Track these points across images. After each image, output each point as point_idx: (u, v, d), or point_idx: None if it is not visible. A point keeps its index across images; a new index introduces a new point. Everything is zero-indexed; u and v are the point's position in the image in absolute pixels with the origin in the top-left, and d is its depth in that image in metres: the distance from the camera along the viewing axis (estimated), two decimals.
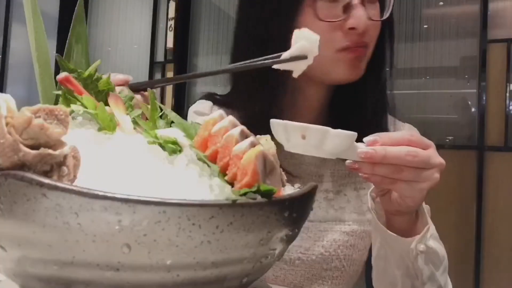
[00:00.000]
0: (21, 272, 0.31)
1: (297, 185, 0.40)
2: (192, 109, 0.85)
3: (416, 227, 0.59)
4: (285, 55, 0.51)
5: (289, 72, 0.64)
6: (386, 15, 0.70)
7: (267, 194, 0.32)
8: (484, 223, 2.51)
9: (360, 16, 0.65)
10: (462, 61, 2.76)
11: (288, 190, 0.38)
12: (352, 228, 0.73)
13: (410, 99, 2.86)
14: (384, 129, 0.78)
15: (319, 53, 0.61)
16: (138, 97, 0.55)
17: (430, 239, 0.58)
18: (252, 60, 0.54)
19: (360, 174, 0.51)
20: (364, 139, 0.49)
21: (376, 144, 0.48)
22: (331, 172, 0.77)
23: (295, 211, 0.34)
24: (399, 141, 0.49)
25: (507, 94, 2.54)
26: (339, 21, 0.66)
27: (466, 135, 2.71)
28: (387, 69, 0.78)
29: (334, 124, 0.51)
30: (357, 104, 0.75)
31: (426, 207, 0.74)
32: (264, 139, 0.38)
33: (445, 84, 2.83)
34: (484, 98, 2.58)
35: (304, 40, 0.52)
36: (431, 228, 0.59)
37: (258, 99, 0.71)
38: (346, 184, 0.76)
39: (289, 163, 0.75)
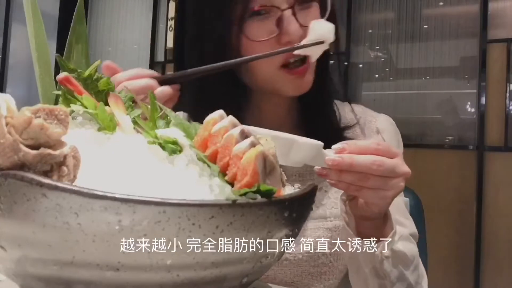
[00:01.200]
0: (21, 272, 0.31)
1: (297, 185, 0.40)
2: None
3: (383, 231, 0.60)
4: (304, 41, 0.62)
5: (249, 87, 0.68)
6: (325, 16, 0.69)
7: (267, 194, 0.32)
8: (484, 223, 2.51)
9: (293, 30, 0.65)
10: (462, 61, 2.76)
11: (288, 190, 0.38)
12: (334, 224, 0.74)
13: (410, 99, 2.87)
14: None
15: (263, 70, 0.69)
16: (166, 88, 0.60)
17: (398, 242, 0.60)
18: (270, 52, 0.62)
19: (327, 180, 0.52)
20: (333, 147, 0.51)
21: (343, 152, 0.50)
22: (310, 169, 0.78)
23: (295, 211, 0.34)
24: (366, 149, 0.51)
25: (507, 94, 2.54)
26: (269, 39, 0.66)
27: (466, 135, 2.71)
28: (345, 62, 0.81)
29: (303, 128, 0.52)
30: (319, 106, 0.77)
31: (404, 200, 0.75)
32: (264, 139, 0.38)
33: (445, 84, 2.83)
34: (484, 98, 2.58)
35: (320, 28, 0.61)
36: (399, 231, 0.61)
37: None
38: (325, 180, 0.78)
39: None
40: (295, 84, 0.70)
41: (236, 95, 0.73)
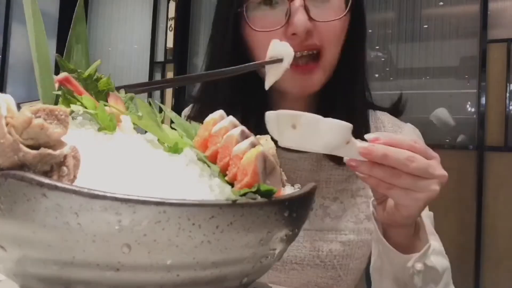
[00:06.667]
0: (21, 272, 0.31)
1: (297, 185, 0.40)
2: (184, 113, 0.85)
3: (414, 243, 0.56)
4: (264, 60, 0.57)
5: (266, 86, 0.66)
6: (347, 9, 0.65)
7: (267, 194, 0.32)
8: (484, 223, 2.51)
9: (298, 21, 0.61)
10: (462, 61, 2.76)
11: (288, 190, 0.38)
12: (348, 238, 0.71)
13: (410, 99, 2.85)
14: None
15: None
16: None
17: (430, 256, 0.56)
18: (235, 67, 0.56)
19: (357, 173, 0.48)
20: (366, 136, 0.47)
21: (377, 142, 0.46)
22: (327, 177, 0.74)
23: (295, 211, 0.34)
24: (401, 144, 0.46)
25: (507, 94, 2.54)
26: (276, 29, 0.63)
27: (466, 135, 2.71)
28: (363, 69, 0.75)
29: None
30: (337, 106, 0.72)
31: (429, 214, 0.70)
32: (264, 139, 0.38)
33: (445, 84, 2.83)
34: (484, 98, 2.58)
35: (279, 47, 0.57)
36: (433, 245, 0.57)
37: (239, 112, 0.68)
38: (343, 191, 0.73)
39: (284, 169, 0.74)
40: (300, 83, 0.66)
41: (254, 96, 0.71)
